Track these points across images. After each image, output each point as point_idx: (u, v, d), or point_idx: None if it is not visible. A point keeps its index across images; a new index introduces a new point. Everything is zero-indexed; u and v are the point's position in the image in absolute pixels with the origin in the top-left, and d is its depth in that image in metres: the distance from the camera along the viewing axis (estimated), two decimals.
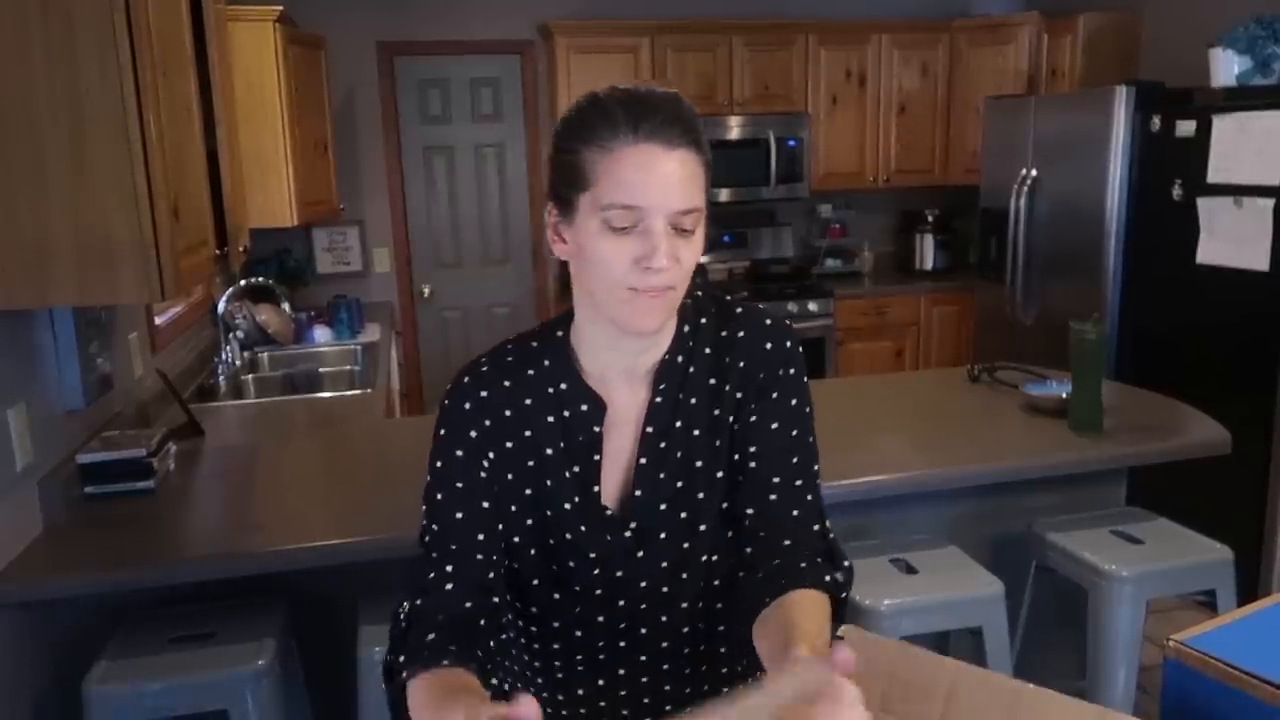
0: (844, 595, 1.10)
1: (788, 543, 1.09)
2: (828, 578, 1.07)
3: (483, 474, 1.12)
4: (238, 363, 3.62)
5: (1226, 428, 2.35)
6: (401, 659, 1.02)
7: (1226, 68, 3.46)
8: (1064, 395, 2.46)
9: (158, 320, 3.04)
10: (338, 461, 2.40)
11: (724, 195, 4.86)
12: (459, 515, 1.11)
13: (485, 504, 1.12)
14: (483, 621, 1.07)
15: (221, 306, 3.57)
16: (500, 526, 1.13)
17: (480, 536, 1.11)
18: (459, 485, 1.12)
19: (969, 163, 4.88)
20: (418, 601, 1.08)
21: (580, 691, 1.22)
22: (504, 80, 4.94)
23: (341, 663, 1.87)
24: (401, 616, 1.08)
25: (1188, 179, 3.39)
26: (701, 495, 1.14)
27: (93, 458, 2.07)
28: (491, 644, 1.06)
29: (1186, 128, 3.39)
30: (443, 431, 1.13)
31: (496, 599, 1.11)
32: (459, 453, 1.12)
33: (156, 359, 2.92)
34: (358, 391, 3.22)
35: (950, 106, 5.07)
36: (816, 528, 1.13)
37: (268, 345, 3.84)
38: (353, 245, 4.88)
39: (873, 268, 5.33)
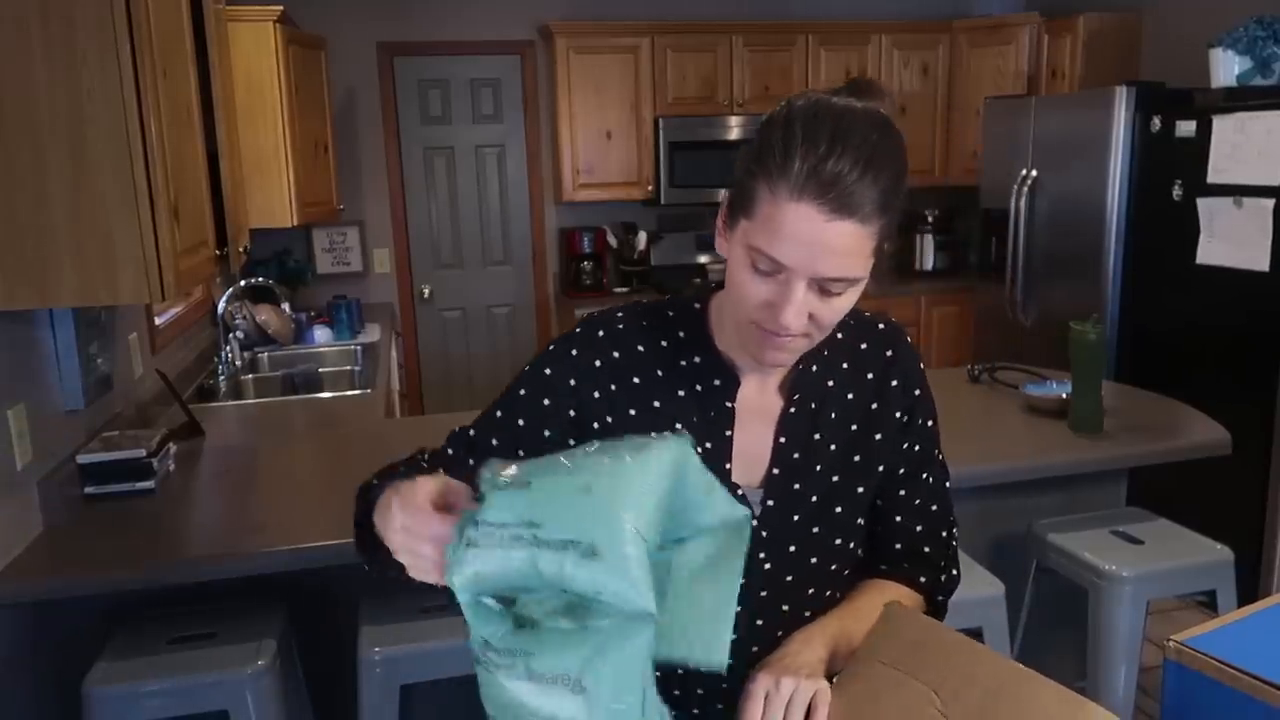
0: (940, 598, 1.19)
1: (898, 546, 1.17)
2: (922, 578, 1.16)
3: (548, 432, 1.08)
4: (238, 363, 3.62)
5: (1226, 428, 2.35)
6: (375, 480, 1.04)
7: (1226, 68, 3.46)
8: (1064, 395, 2.46)
9: (158, 320, 3.04)
10: (338, 462, 2.39)
11: (723, 196, 4.86)
12: (494, 442, 1.10)
13: (522, 452, 1.08)
14: None
15: (221, 307, 3.57)
16: None
17: None
18: (520, 423, 1.10)
19: (969, 163, 4.88)
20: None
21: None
22: (504, 80, 4.94)
23: (341, 663, 1.87)
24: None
25: (1188, 179, 3.39)
26: (839, 510, 1.11)
27: (93, 458, 2.07)
28: None
29: (1186, 128, 3.39)
30: (548, 371, 1.10)
31: None
32: (545, 401, 1.09)
33: (156, 359, 2.92)
34: (358, 392, 3.22)
35: (950, 107, 5.07)
36: (944, 534, 1.20)
37: (268, 345, 3.83)
38: (353, 245, 4.88)
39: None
